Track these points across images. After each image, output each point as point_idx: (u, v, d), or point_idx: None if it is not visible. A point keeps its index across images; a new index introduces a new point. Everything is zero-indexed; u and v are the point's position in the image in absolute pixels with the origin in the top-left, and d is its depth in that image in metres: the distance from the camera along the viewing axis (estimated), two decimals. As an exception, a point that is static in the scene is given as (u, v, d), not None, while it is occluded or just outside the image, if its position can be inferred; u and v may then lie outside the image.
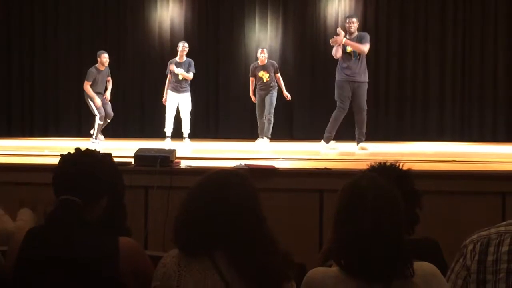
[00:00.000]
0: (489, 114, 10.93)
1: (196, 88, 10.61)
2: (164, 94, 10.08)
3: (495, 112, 10.92)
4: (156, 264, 2.30)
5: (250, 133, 10.20)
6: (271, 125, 9.71)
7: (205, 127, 11.29)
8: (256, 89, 9.84)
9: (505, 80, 10.91)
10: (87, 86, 9.82)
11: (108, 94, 10.07)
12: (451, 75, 11.01)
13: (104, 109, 9.96)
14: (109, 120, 10.11)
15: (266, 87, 9.73)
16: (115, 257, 2.32)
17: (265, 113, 9.70)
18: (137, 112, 11.44)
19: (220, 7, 11.39)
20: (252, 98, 9.92)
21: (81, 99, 10.86)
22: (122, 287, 2.34)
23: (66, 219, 2.40)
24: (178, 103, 10.06)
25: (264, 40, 11.24)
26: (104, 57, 9.92)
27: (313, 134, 10.75)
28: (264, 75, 9.70)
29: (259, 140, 9.67)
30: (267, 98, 9.73)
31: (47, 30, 11.51)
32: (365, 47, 8.15)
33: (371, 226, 2.04)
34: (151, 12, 11.45)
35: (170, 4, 11.45)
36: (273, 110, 9.73)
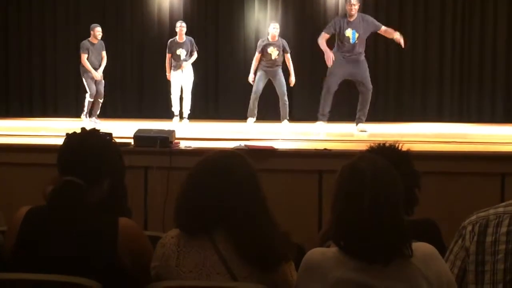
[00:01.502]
0: (487, 95, 10.91)
1: (196, 69, 10.57)
2: (167, 72, 10.09)
3: (493, 94, 10.90)
4: (156, 244, 2.31)
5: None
6: (287, 106, 9.52)
7: (204, 107, 11.27)
8: (260, 66, 9.50)
9: (503, 61, 10.88)
10: (84, 59, 9.75)
11: (100, 71, 9.93)
12: (450, 56, 10.97)
13: (96, 87, 9.90)
14: (101, 100, 10.01)
15: (273, 65, 9.44)
16: (114, 237, 2.33)
17: (279, 96, 9.45)
18: (136, 92, 11.41)
19: (220, -13, 11.34)
20: (251, 77, 9.54)
21: (79, 80, 10.85)
22: (121, 267, 2.34)
23: (68, 201, 2.40)
24: (181, 81, 10.08)
25: (263, 20, 11.18)
26: (97, 31, 9.85)
27: (313, 114, 10.75)
28: (274, 52, 9.41)
29: (249, 120, 9.51)
30: (276, 79, 9.45)
31: (44, 11, 11.44)
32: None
33: (369, 207, 2.04)
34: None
35: (169, -15, 11.39)
36: (285, 91, 9.50)
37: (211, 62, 11.34)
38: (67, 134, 2.58)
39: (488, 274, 2.20)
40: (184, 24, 9.96)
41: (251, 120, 9.53)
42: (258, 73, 9.51)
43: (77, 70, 10.36)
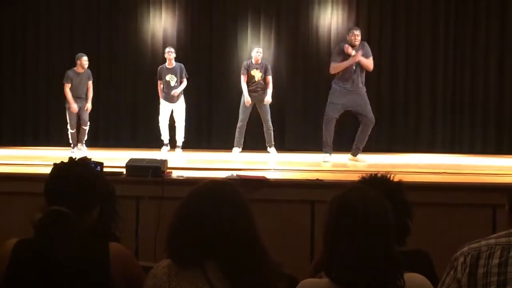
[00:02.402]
0: (479, 126, 10.95)
1: (189, 98, 10.59)
2: (160, 94, 10.10)
3: (485, 125, 10.95)
4: (147, 274, 2.30)
5: (245, 143, 10.16)
6: (272, 132, 9.64)
7: (197, 137, 11.26)
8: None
9: (495, 93, 10.94)
10: (66, 89, 9.69)
11: (89, 103, 9.88)
12: (441, 87, 11.03)
13: (80, 115, 9.85)
14: (86, 128, 9.94)
15: (257, 89, 9.54)
16: (106, 262, 2.32)
17: (263, 123, 9.56)
18: (129, 121, 11.41)
19: (213, 17, 11.39)
20: (248, 99, 9.51)
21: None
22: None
23: (55, 230, 2.38)
24: (171, 111, 10.03)
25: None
26: (84, 60, 9.78)
27: (306, 145, 10.77)
28: (257, 74, 9.54)
29: (235, 150, 9.55)
30: (261, 106, 9.55)
31: (38, 39, 11.48)
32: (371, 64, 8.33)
33: (360, 238, 2.04)
34: (143, 21, 11.45)
35: (163, 14, 11.45)
36: (269, 118, 9.61)
37: (204, 92, 11.37)
38: (55, 164, 2.57)
39: (480, 306, 2.20)
40: (172, 50, 10.00)
41: (236, 150, 9.58)
42: (242, 99, 9.62)
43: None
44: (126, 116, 11.32)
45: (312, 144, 10.68)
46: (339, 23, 11.17)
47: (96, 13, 11.51)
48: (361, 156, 8.20)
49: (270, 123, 9.61)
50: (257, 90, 9.58)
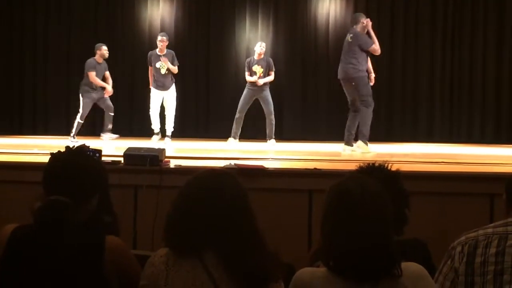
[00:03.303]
0: (477, 116, 10.97)
1: (186, 87, 10.58)
2: (151, 86, 9.90)
3: (483, 114, 10.96)
4: (145, 264, 2.30)
5: (241, 133, 10.17)
6: (273, 125, 9.61)
7: (194, 126, 11.27)
8: (247, 85, 9.62)
9: (493, 82, 10.95)
10: (93, 76, 9.55)
11: (110, 88, 9.84)
12: (439, 76, 11.04)
13: (104, 102, 9.82)
14: (112, 114, 9.93)
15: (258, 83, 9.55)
16: (101, 256, 2.31)
17: (266, 115, 9.56)
18: (127, 111, 11.40)
19: (211, 6, 11.37)
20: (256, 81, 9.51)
21: (70, 97, 10.83)
22: (107, 287, 2.33)
23: (53, 219, 2.38)
24: (162, 100, 9.87)
25: (254, 39, 11.22)
26: (104, 49, 9.71)
27: (303, 134, 10.78)
28: (258, 69, 9.53)
29: (230, 140, 9.57)
30: (263, 99, 9.54)
31: (36, 28, 11.45)
32: None
33: (358, 227, 2.05)
34: (141, 11, 11.42)
35: (161, 4, 11.42)
36: (272, 110, 9.60)
37: (202, 81, 11.36)
38: (52, 154, 2.57)
39: (477, 295, 2.21)
40: (165, 38, 9.74)
41: (232, 140, 9.58)
42: (244, 92, 9.61)
43: (68, 89, 10.36)
44: (123, 105, 11.30)
45: (310, 133, 10.70)
46: (337, 12, 11.16)
47: (94, 1, 11.48)
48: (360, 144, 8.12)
49: (272, 115, 9.59)
50: (256, 84, 9.54)
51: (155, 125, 9.93)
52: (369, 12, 11.04)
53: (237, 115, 9.63)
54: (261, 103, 9.64)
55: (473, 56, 10.99)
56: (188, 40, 11.29)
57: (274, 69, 9.69)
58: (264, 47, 9.74)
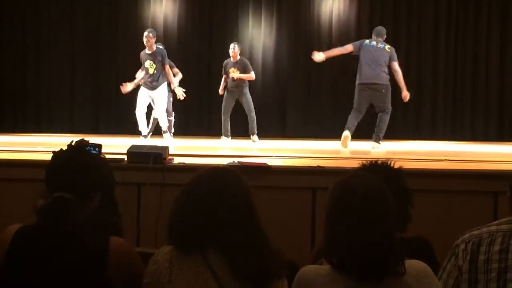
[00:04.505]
0: (480, 114, 10.96)
1: (189, 84, 10.55)
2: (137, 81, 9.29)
3: (486, 112, 10.95)
4: (148, 261, 2.30)
5: (244, 131, 10.17)
6: (255, 121, 9.63)
7: (198, 124, 11.27)
8: (227, 86, 9.63)
9: (496, 80, 10.94)
10: (169, 69, 9.02)
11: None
12: (443, 74, 11.02)
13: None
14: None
15: (237, 85, 9.53)
16: (105, 257, 2.31)
17: (246, 113, 9.60)
18: (130, 109, 11.39)
19: (214, 4, 11.37)
20: (220, 90, 9.69)
21: (74, 95, 10.86)
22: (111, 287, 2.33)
23: (59, 218, 2.38)
24: (151, 100, 9.18)
25: (258, 37, 11.23)
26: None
27: (306, 131, 10.77)
28: (235, 72, 9.50)
29: (223, 139, 9.57)
30: (243, 99, 9.57)
31: (39, 25, 11.45)
32: None
33: (361, 225, 2.05)
34: (144, 8, 11.42)
35: (164, 1, 11.42)
36: (252, 107, 9.61)
37: (204, 79, 11.35)
38: (54, 152, 2.56)
39: (481, 292, 2.21)
40: (151, 35, 9.05)
41: (224, 138, 9.62)
42: (225, 94, 9.67)
43: (71, 85, 10.34)
44: (127, 103, 11.30)
45: (313, 130, 10.69)
46: (341, 8, 11.15)
47: (97, 0, 11.47)
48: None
49: (253, 113, 9.61)
50: (235, 85, 9.58)
51: (142, 127, 9.19)
52: (372, 7, 11.06)
53: (222, 118, 9.69)
54: (242, 102, 9.67)
55: (477, 54, 10.97)
56: (191, 37, 11.28)
57: (251, 69, 9.62)
58: (237, 48, 9.63)
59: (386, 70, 8.25)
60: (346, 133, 8.07)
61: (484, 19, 10.90)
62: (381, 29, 8.61)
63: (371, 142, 8.38)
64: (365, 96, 8.23)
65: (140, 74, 9.18)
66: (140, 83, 9.16)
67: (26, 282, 2.28)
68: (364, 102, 8.25)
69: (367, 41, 8.37)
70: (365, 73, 8.16)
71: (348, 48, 8.37)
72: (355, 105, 8.28)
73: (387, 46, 8.34)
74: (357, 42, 8.46)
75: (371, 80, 8.17)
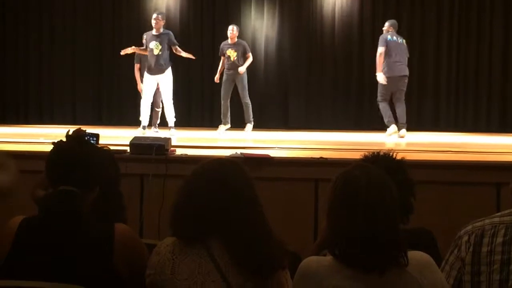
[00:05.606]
0: (483, 105, 10.94)
1: (191, 76, 10.56)
2: (138, 83, 9.28)
3: (489, 103, 10.92)
4: (151, 252, 2.31)
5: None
6: (250, 108, 9.50)
7: (200, 115, 11.26)
8: (224, 70, 9.49)
9: (499, 71, 10.90)
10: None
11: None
12: (446, 66, 11.00)
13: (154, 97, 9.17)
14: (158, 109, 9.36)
15: (233, 67, 9.37)
16: (110, 244, 2.32)
17: (241, 98, 9.46)
18: (132, 100, 11.39)
19: (216, -5, 11.35)
20: (216, 77, 9.55)
21: (76, 86, 10.85)
22: (117, 275, 2.33)
23: (62, 209, 2.38)
24: (157, 86, 8.86)
25: (260, 28, 11.20)
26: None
27: (309, 123, 10.77)
28: (232, 54, 9.35)
29: (221, 127, 9.47)
30: (239, 82, 9.41)
31: (41, 17, 11.44)
32: None
33: (364, 216, 2.04)
34: (146, 0, 11.39)
35: (166, -8, 11.40)
36: (247, 93, 9.46)
37: (207, 70, 11.33)
38: (54, 143, 2.56)
39: (484, 284, 2.21)
40: (161, 17, 8.84)
41: (222, 127, 9.49)
42: (224, 78, 9.51)
43: (73, 76, 10.31)
44: (129, 95, 11.30)
45: (315, 122, 10.69)
46: (343, 0, 11.10)
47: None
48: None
49: (247, 99, 9.48)
50: (232, 67, 9.41)
51: (144, 118, 8.83)
52: (375, 2, 11.03)
53: (222, 103, 9.52)
54: (237, 84, 9.50)
55: (480, 45, 10.93)
56: (193, 29, 11.27)
57: (249, 51, 9.51)
58: (236, 29, 9.52)
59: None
60: (394, 128, 8.54)
61: (487, 11, 10.86)
62: (395, 22, 9.09)
63: (383, 133, 8.55)
64: (392, 87, 8.67)
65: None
66: (138, 51, 9.05)
67: (33, 270, 2.29)
68: (389, 92, 8.73)
69: (388, 36, 8.72)
70: (396, 67, 8.66)
71: (383, 51, 8.65)
72: (383, 97, 8.69)
73: (404, 40, 8.90)
74: (382, 41, 8.73)
75: (404, 73, 8.74)
